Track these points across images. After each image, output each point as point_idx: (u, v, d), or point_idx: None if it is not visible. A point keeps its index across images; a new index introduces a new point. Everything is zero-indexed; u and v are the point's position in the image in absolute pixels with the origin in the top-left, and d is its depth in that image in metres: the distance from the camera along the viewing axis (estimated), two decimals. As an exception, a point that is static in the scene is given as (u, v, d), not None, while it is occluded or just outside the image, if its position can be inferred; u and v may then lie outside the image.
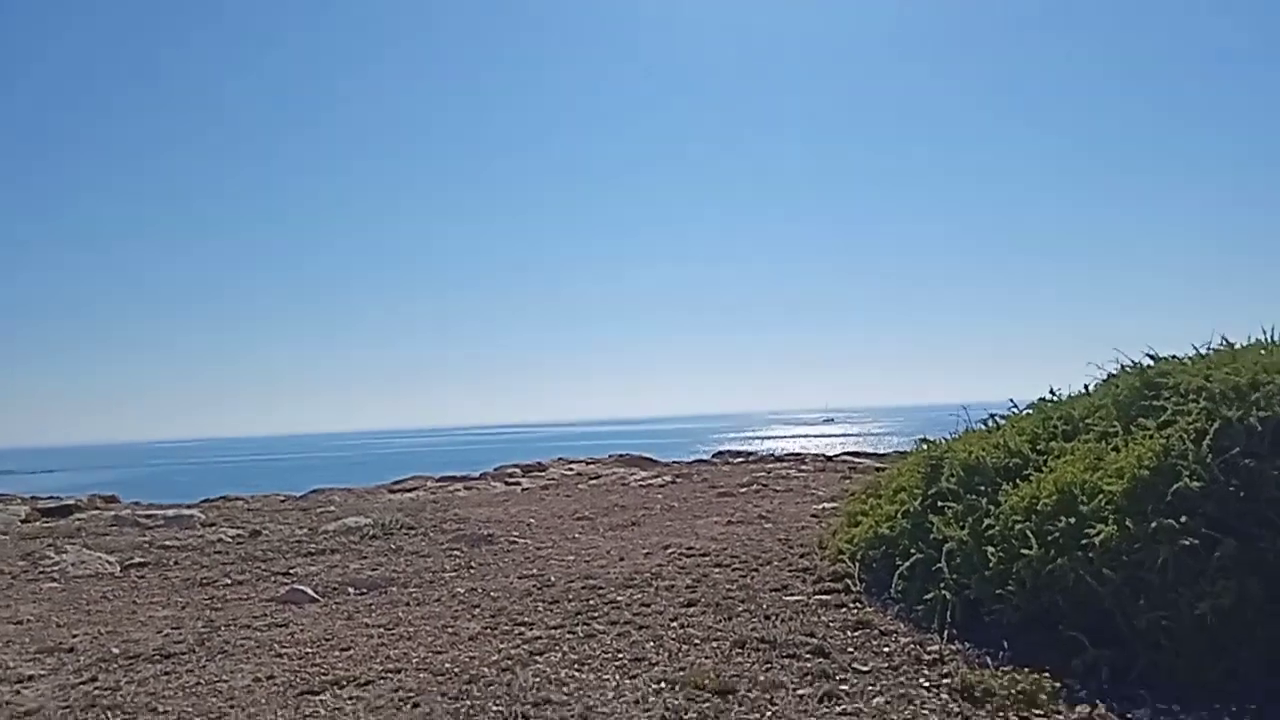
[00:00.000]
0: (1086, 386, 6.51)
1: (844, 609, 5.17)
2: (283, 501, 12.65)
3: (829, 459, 14.72)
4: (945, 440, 6.71)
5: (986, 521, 5.06)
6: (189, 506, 11.29)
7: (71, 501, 12.32)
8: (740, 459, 15.41)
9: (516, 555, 7.37)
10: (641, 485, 11.71)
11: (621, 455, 15.71)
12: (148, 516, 9.98)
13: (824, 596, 5.46)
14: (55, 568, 7.50)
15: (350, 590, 6.36)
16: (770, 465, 13.96)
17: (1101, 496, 4.70)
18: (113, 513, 10.44)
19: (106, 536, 9.16)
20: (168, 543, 8.64)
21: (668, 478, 12.29)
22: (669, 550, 7.08)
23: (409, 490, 13.18)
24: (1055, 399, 6.59)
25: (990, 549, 4.84)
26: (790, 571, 6.13)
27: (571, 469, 14.63)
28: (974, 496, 5.37)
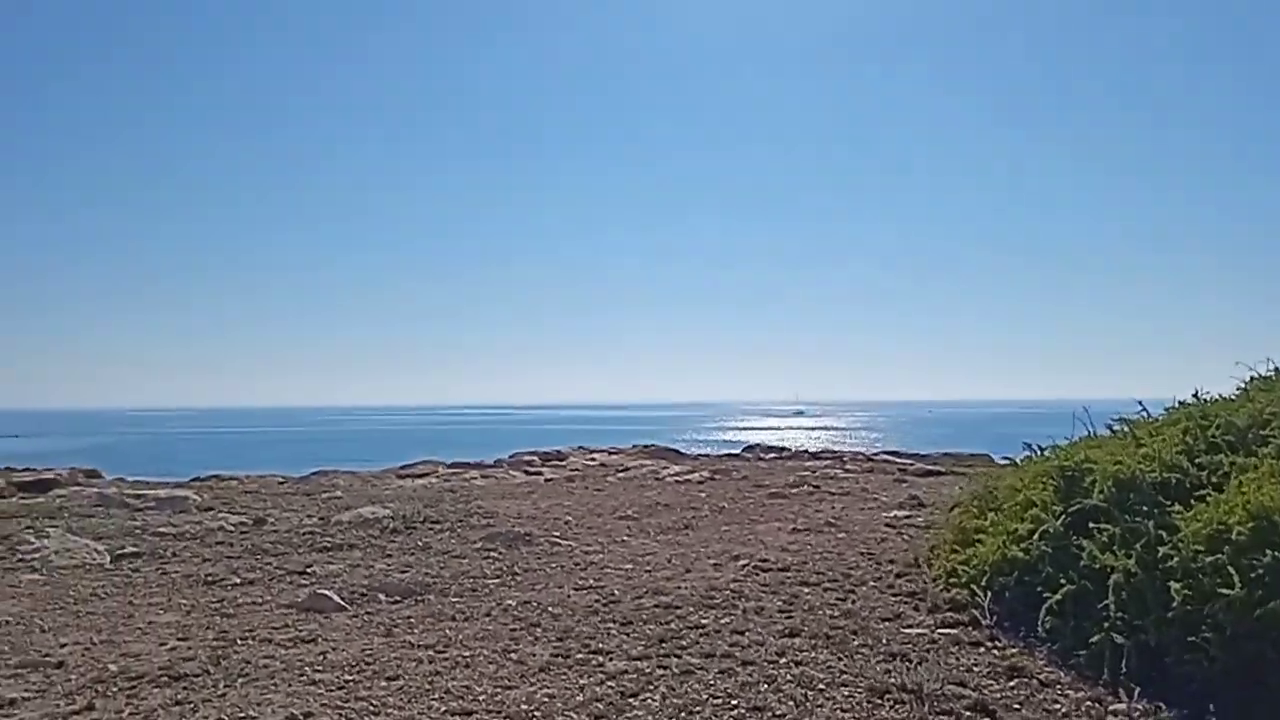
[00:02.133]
0: (1245, 389, 5.83)
1: (983, 649, 4.47)
2: (282, 484, 11.92)
3: (870, 459, 14.04)
4: (1065, 448, 6.04)
5: (1161, 550, 4.36)
6: (180, 486, 10.56)
7: (51, 475, 11.56)
8: (773, 455, 14.71)
9: (564, 560, 6.65)
10: (678, 481, 11.00)
11: (646, 446, 15.00)
12: (137, 496, 9.25)
13: (950, 630, 4.76)
14: (36, 555, 6.77)
15: (382, 597, 5.64)
16: (809, 464, 13.27)
17: (1313, 527, 4.01)
18: (96, 489, 9.70)
19: (92, 519, 8.41)
20: (163, 529, 7.91)
21: (705, 473, 11.58)
22: (740, 562, 6.38)
23: (419, 476, 12.46)
24: (1201, 403, 5.91)
25: (1174, 585, 4.15)
26: (895, 596, 5.44)
27: (594, 459, 13.91)
28: (1134, 519, 4.68)
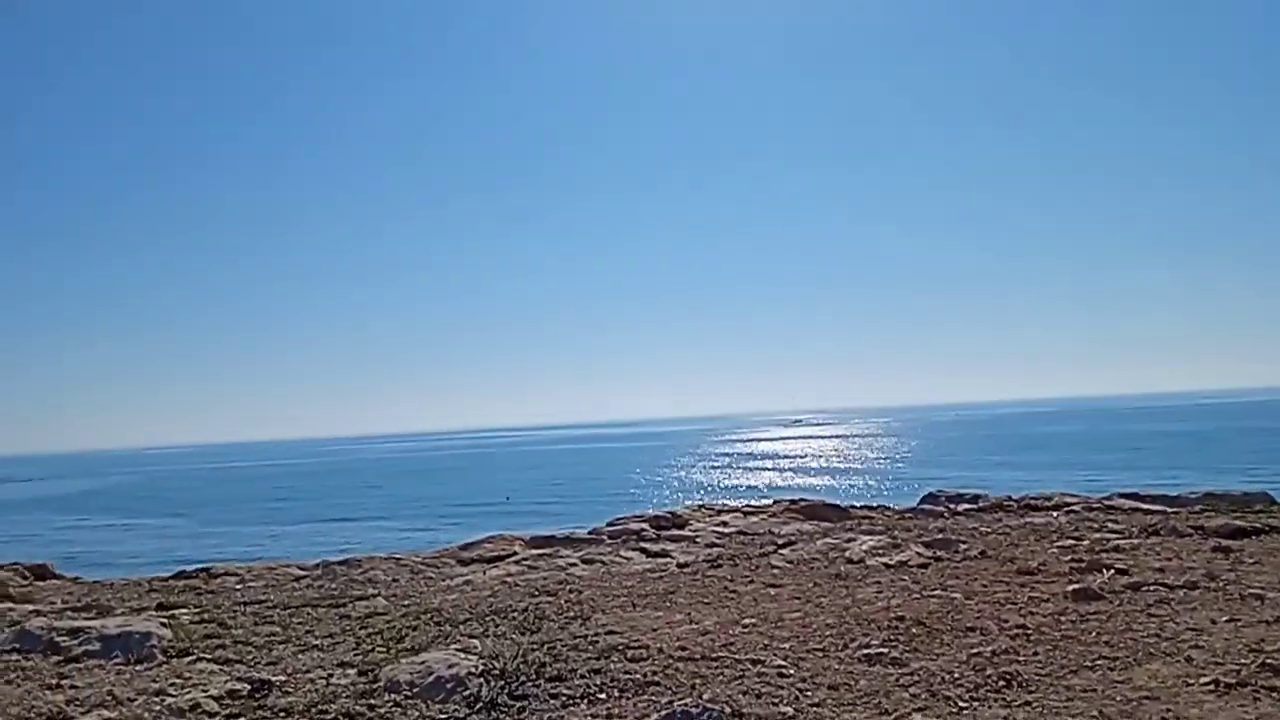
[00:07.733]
0: None
1: None
2: (299, 580, 9.00)
3: (1110, 506, 10.91)
4: None
5: None
6: (144, 605, 7.65)
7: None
8: (966, 506, 11.58)
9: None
10: (887, 565, 7.90)
11: (793, 502, 11.87)
12: (72, 633, 6.35)
13: None
14: None
15: None
16: (1035, 520, 10.17)
17: None
18: (17, 624, 6.77)
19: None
20: (104, 710, 4.98)
21: (917, 548, 8.47)
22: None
23: (490, 560, 9.47)
24: None
25: None
26: None
27: (724, 523, 10.84)
28: None
